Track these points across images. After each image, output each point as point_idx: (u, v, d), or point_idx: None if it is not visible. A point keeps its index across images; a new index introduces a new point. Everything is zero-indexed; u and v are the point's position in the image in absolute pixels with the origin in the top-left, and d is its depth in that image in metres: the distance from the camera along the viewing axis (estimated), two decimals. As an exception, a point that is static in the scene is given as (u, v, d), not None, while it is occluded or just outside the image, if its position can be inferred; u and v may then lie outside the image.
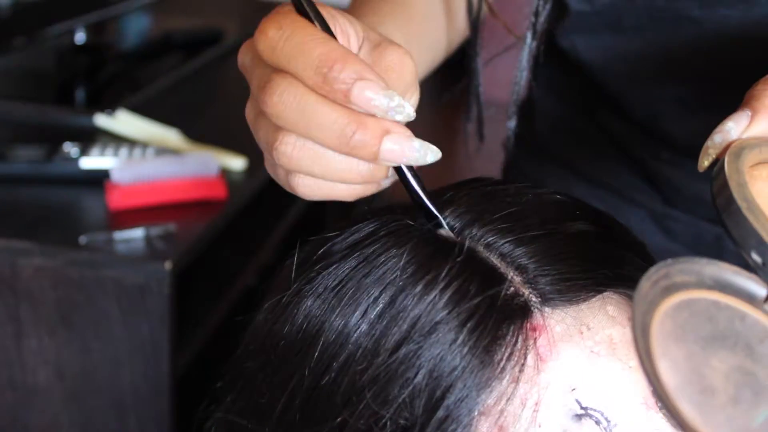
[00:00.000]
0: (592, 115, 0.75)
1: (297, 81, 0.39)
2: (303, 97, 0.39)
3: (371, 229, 0.44)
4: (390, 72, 0.41)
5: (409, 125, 0.41)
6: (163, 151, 1.02)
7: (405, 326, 0.40)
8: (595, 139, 0.75)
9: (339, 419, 0.40)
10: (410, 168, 0.42)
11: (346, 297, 0.42)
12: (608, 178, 0.74)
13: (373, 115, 0.39)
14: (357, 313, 0.41)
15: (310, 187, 0.42)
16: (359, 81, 0.38)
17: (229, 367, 0.49)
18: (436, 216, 0.43)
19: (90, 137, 1.10)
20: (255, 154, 1.09)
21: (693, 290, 0.36)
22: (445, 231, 0.43)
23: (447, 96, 0.74)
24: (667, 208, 0.72)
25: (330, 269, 0.44)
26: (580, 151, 0.77)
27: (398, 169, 0.42)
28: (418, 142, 0.39)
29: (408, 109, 0.39)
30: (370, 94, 0.38)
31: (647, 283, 0.35)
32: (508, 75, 0.84)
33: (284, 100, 0.39)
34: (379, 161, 0.39)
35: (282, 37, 0.39)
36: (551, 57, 0.78)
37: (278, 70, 0.40)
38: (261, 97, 0.40)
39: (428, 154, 0.40)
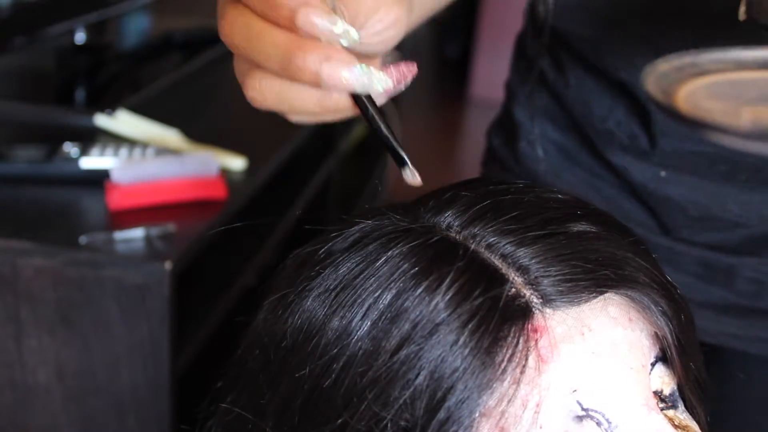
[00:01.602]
0: (586, 138, 0.73)
1: (247, 9, 0.40)
2: (249, 23, 0.40)
3: (372, 229, 0.44)
4: None
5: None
6: (163, 151, 1.02)
7: (406, 327, 0.40)
8: (589, 165, 0.74)
9: (340, 420, 0.40)
10: (373, 105, 0.42)
11: (347, 297, 0.42)
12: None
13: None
14: (358, 313, 0.41)
15: (279, 108, 0.43)
16: (303, 7, 0.38)
17: (229, 367, 0.49)
18: (400, 155, 0.42)
19: (90, 137, 1.10)
20: (255, 154, 1.09)
21: (732, 72, 0.38)
22: (410, 172, 0.42)
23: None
24: (670, 241, 0.70)
25: (330, 269, 0.44)
26: (572, 178, 0.75)
27: (361, 107, 0.41)
28: (359, 68, 0.39)
29: (353, 35, 0.40)
30: (313, 19, 0.38)
31: (665, 65, 0.36)
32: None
33: (234, 29, 0.41)
34: (322, 87, 0.40)
35: None
36: (535, 76, 0.77)
37: (233, 1, 0.41)
38: (219, 28, 0.42)
39: (374, 81, 0.40)
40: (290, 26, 0.39)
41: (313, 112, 0.42)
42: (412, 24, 0.51)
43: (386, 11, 0.43)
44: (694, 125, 0.37)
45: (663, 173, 0.66)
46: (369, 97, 0.41)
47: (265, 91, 0.42)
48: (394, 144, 0.42)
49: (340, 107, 0.42)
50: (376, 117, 0.42)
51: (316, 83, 0.39)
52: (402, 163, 0.42)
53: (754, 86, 0.39)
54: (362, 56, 0.43)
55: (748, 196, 0.65)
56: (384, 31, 0.43)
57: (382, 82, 0.40)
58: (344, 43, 0.40)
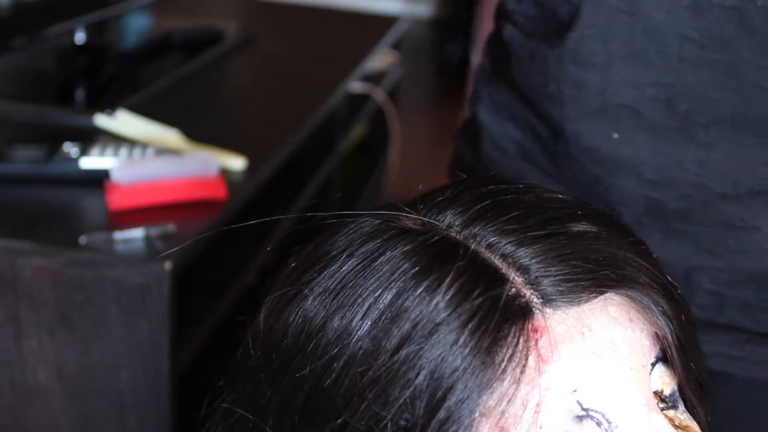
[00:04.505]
0: (539, 134, 0.72)
1: None
2: None
3: (372, 229, 0.44)
4: None
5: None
6: (163, 151, 1.02)
7: (406, 327, 0.40)
8: (542, 164, 0.73)
9: (340, 420, 0.40)
10: None
11: (347, 297, 0.42)
12: None
13: None
14: (358, 313, 0.41)
15: None
16: None
17: (230, 366, 0.49)
18: None
19: (90, 137, 1.10)
20: (255, 154, 1.09)
21: None
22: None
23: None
24: None
25: (331, 269, 0.44)
26: (529, 179, 0.74)
27: None
28: None
29: None
30: None
31: None
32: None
33: None
34: None
35: None
36: (498, 77, 0.77)
37: None
38: None
39: None
40: None
41: None
42: None
43: None
44: None
45: (615, 135, 0.65)
46: None
47: None
48: None
49: None
50: None
51: None
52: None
53: None
54: None
55: (706, 153, 0.62)
56: None
57: None
58: None
